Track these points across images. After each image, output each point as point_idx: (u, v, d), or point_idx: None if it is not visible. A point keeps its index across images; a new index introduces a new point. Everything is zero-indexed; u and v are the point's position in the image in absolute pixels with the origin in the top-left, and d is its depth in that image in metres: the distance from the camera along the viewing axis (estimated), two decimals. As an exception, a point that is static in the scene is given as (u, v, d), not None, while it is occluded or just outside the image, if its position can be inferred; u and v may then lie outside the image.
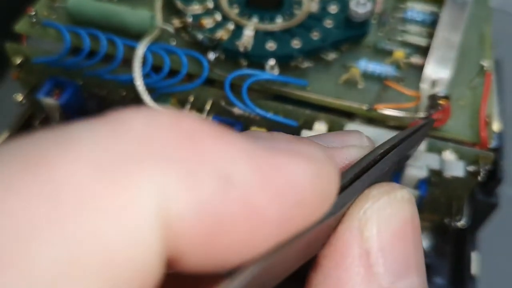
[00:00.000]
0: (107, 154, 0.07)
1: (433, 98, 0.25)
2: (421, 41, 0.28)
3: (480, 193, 0.26)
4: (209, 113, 0.26)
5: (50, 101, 0.27)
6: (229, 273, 0.08)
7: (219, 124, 0.09)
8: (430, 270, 0.27)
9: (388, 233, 0.10)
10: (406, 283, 0.10)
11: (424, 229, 0.28)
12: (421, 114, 0.25)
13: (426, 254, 0.27)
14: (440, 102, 0.25)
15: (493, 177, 0.25)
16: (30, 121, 0.30)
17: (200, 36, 0.26)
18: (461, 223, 0.26)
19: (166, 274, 0.08)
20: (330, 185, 0.10)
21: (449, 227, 0.27)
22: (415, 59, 0.27)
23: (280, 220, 0.09)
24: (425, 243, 0.28)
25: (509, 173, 0.26)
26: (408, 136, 0.13)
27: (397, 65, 0.27)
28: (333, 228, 0.10)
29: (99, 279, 0.07)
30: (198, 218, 0.08)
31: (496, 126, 0.26)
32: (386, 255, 0.10)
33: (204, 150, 0.08)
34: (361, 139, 0.13)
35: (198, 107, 0.27)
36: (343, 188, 0.11)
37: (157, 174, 0.07)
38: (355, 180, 0.11)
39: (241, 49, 0.26)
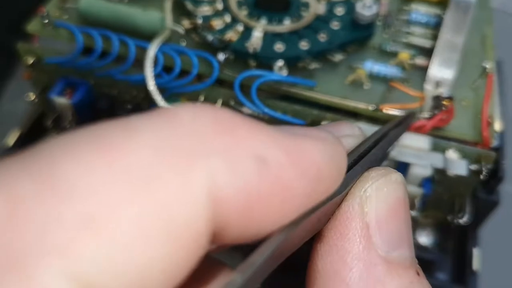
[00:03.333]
0: (164, 142, 0.09)
1: (437, 99, 0.26)
2: (425, 43, 0.28)
3: (481, 191, 0.27)
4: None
5: (62, 101, 0.27)
6: (260, 241, 0.10)
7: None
8: (433, 265, 0.28)
9: (384, 209, 0.12)
10: (399, 253, 0.12)
11: (428, 225, 0.28)
12: (426, 115, 0.26)
13: (429, 250, 0.28)
14: (444, 102, 0.25)
15: (495, 175, 0.26)
16: (40, 120, 0.31)
17: (210, 37, 0.27)
18: (464, 220, 0.27)
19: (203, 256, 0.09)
20: (342, 162, 0.11)
21: (452, 224, 0.27)
22: (420, 61, 0.28)
23: (305, 193, 0.10)
24: (429, 239, 0.28)
25: (510, 171, 0.27)
26: (395, 126, 0.15)
27: (402, 66, 0.28)
28: (337, 205, 0.12)
29: (164, 238, 0.08)
30: (240, 195, 0.09)
31: (497, 126, 0.27)
32: (382, 228, 0.12)
33: (241, 138, 0.09)
34: (353, 129, 0.14)
35: (208, 107, 0.27)
36: (347, 171, 0.12)
37: (206, 160, 0.09)
38: (355, 164, 0.12)
39: (250, 50, 0.26)
